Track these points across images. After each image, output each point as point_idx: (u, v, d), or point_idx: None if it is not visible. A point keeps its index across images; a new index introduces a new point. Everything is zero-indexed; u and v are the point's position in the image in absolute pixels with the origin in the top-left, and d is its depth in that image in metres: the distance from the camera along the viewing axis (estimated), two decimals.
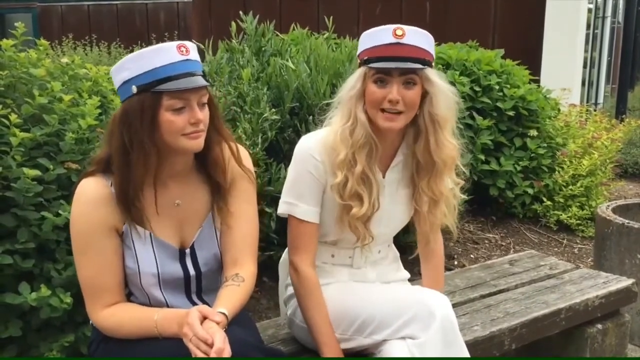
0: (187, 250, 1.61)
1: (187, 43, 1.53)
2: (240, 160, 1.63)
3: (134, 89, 1.46)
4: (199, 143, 1.52)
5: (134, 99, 1.47)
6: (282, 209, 1.80)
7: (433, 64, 1.72)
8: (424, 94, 1.70)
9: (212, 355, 1.33)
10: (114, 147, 1.49)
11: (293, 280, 1.80)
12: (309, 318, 1.75)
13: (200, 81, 1.49)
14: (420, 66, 1.65)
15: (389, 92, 1.65)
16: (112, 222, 1.53)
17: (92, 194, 1.51)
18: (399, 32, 1.65)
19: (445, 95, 1.71)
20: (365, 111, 1.70)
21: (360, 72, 1.71)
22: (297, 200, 1.76)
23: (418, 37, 1.67)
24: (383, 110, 1.67)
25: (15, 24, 2.29)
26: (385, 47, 1.65)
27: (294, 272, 1.78)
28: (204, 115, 1.51)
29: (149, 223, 1.55)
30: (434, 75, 1.70)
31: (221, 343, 1.34)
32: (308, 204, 1.76)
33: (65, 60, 2.38)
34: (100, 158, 1.54)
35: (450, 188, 1.82)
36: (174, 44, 1.50)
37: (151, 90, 1.45)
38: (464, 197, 3.32)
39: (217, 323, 1.39)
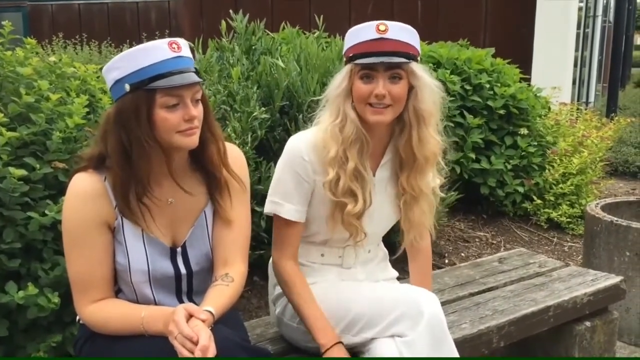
0: (179, 249, 1.61)
1: (179, 40, 1.53)
2: (226, 161, 1.63)
3: (127, 87, 1.46)
4: (193, 140, 1.52)
5: (128, 98, 1.46)
6: (268, 208, 1.80)
7: (419, 58, 1.72)
8: (410, 88, 1.70)
9: (197, 353, 1.32)
10: (111, 146, 1.48)
11: (277, 277, 1.80)
12: (300, 311, 1.74)
13: (193, 77, 1.49)
14: (404, 60, 1.66)
15: (375, 87, 1.66)
16: (105, 217, 1.53)
17: (85, 188, 1.51)
18: (382, 28, 1.66)
19: (430, 90, 1.72)
20: (353, 108, 1.71)
21: (346, 69, 1.72)
22: (282, 200, 1.76)
23: (401, 32, 1.67)
24: (371, 105, 1.68)
25: (2, 23, 2.28)
26: (369, 42, 1.66)
27: (278, 270, 1.78)
28: (198, 111, 1.51)
29: (142, 220, 1.54)
30: (419, 69, 1.70)
31: (206, 341, 1.34)
32: (293, 204, 1.76)
33: (52, 58, 2.36)
34: (92, 154, 1.54)
35: (432, 186, 1.82)
36: (165, 40, 1.50)
37: (144, 88, 1.45)
38: (454, 194, 3.36)
39: (203, 321, 1.39)
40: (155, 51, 1.47)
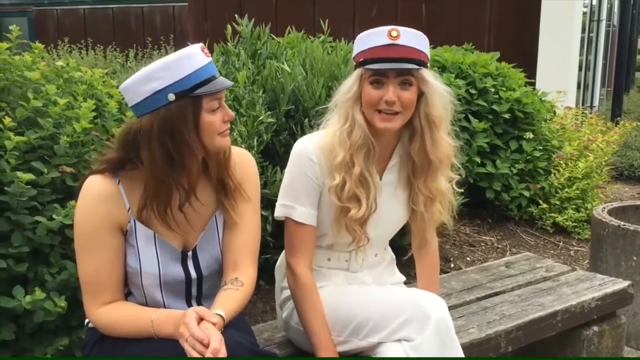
0: (190, 253, 1.62)
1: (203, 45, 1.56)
2: (228, 166, 1.63)
3: (172, 96, 1.47)
4: (229, 140, 1.57)
5: (173, 106, 1.47)
6: (279, 212, 1.79)
7: (428, 64, 1.72)
8: (420, 94, 1.70)
9: (208, 355, 1.32)
10: (155, 156, 1.48)
11: (290, 283, 1.79)
12: (306, 321, 1.75)
13: (228, 80, 1.54)
14: (415, 67, 1.66)
15: (385, 93, 1.66)
16: (117, 220, 1.53)
17: (99, 190, 1.52)
18: (394, 34, 1.65)
19: (440, 95, 1.72)
20: (362, 113, 1.71)
21: (356, 74, 1.72)
22: (294, 203, 1.75)
23: (413, 38, 1.67)
24: (380, 111, 1.68)
25: (10, 27, 2.29)
26: (380, 48, 1.66)
27: (291, 275, 1.78)
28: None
29: (154, 224, 1.55)
30: (429, 75, 1.70)
31: (217, 343, 1.34)
32: (305, 207, 1.75)
33: (60, 63, 2.37)
34: (110, 158, 1.54)
35: (446, 186, 1.82)
36: (197, 46, 1.53)
37: (190, 95, 1.47)
38: (460, 197, 3.35)
39: (214, 324, 1.39)
40: (195, 58, 1.49)
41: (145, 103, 1.49)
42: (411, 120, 1.73)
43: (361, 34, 1.73)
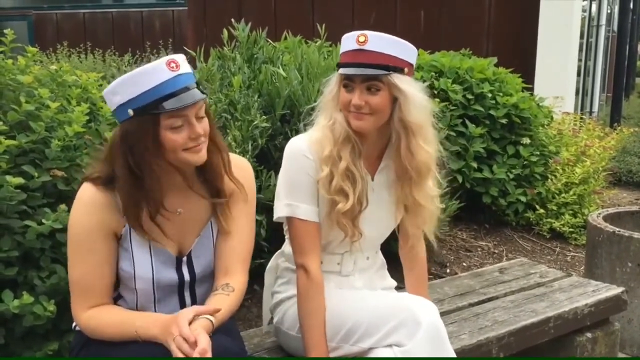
0: (184, 258, 1.62)
1: (176, 57, 1.51)
2: (230, 171, 1.63)
3: (131, 112, 1.46)
4: (201, 156, 1.53)
5: (132, 122, 1.47)
6: (284, 212, 1.76)
7: (405, 69, 1.69)
8: (395, 99, 1.70)
9: (195, 355, 1.33)
10: (118, 168, 1.48)
11: (301, 282, 1.75)
12: (305, 321, 1.73)
13: (196, 95, 1.48)
14: (381, 72, 1.66)
15: (353, 97, 1.68)
16: (112, 226, 1.54)
17: (94, 197, 1.52)
18: (361, 39, 1.67)
19: (414, 101, 1.70)
20: (341, 112, 1.74)
21: (336, 76, 1.76)
22: (297, 202, 1.74)
23: (382, 43, 1.67)
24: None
25: (5, 31, 2.29)
26: (349, 53, 1.69)
27: (304, 273, 1.74)
28: (203, 128, 1.51)
29: (150, 233, 1.55)
30: (401, 81, 1.68)
31: (205, 344, 1.35)
32: (308, 204, 1.75)
33: (53, 67, 2.37)
34: (101, 170, 1.54)
35: (429, 198, 1.81)
36: (163, 61, 1.49)
37: (149, 113, 1.45)
38: (456, 203, 3.35)
39: (212, 316, 1.42)
40: (154, 74, 1.46)
41: (117, 114, 1.51)
42: (390, 125, 1.74)
43: (343, 36, 1.75)
